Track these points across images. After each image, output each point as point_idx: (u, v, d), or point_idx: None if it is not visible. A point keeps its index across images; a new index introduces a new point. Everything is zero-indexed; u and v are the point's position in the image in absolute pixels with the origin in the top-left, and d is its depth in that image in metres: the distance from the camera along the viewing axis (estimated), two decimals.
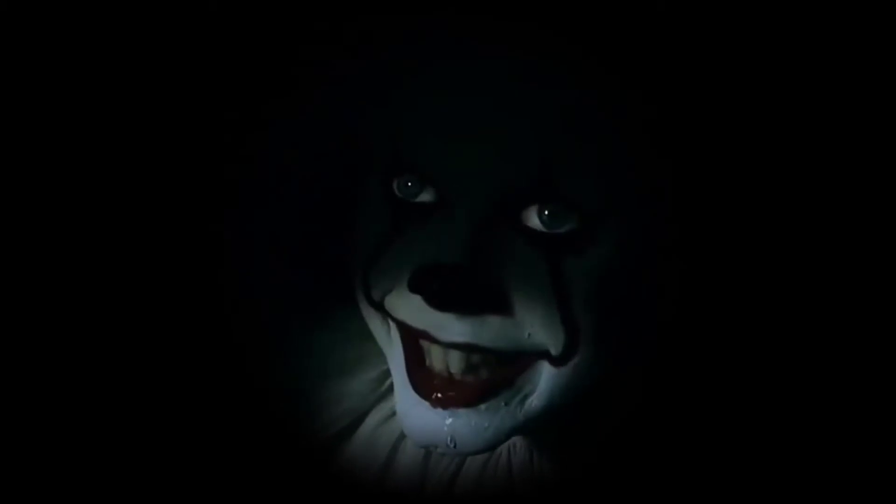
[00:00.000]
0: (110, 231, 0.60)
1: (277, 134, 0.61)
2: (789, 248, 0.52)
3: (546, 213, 0.45)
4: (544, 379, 0.47)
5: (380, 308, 0.50)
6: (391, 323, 0.50)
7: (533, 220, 0.46)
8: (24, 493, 0.57)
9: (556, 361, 0.46)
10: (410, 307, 0.47)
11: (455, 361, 0.47)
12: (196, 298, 0.60)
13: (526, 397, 0.47)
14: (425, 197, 0.48)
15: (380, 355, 0.55)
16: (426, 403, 0.47)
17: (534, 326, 0.46)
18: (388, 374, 0.57)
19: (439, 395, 0.47)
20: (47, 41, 0.58)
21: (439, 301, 0.44)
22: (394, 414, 0.56)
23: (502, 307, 0.45)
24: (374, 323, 0.51)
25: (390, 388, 0.56)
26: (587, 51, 0.46)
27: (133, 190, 0.60)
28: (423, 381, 0.48)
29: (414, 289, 0.44)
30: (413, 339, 0.48)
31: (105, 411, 0.58)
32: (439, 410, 0.47)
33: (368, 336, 0.53)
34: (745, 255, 0.51)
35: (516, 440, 0.55)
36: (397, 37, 0.51)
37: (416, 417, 0.48)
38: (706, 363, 0.53)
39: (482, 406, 0.47)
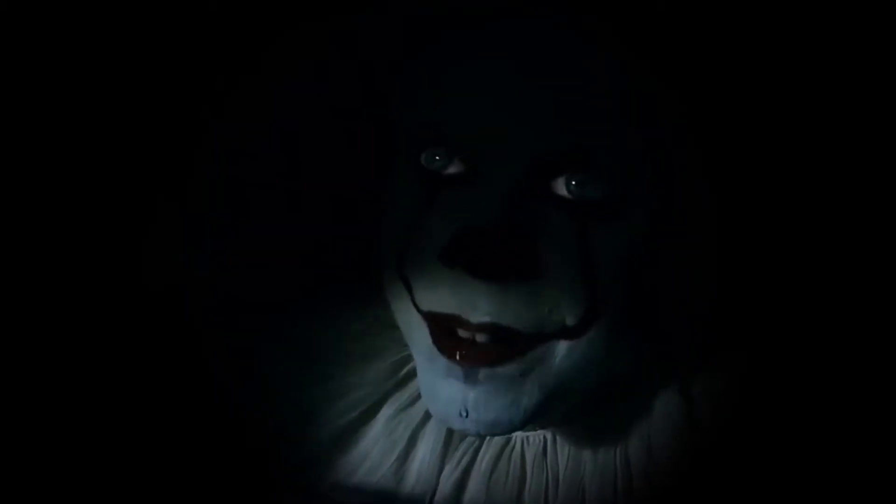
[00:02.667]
0: (123, 230, 0.61)
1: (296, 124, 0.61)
2: (829, 234, 0.52)
3: (574, 182, 0.46)
4: (561, 353, 0.47)
5: (409, 290, 0.49)
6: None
7: (562, 188, 0.46)
8: None
9: (573, 332, 0.46)
10: (439, 293, 0.47)
11: (482, 337, 0.47)
12: (210, 287, 0.60)
13: (543, 372, 0.47)
14: (455, 168, 0.48)
15: (394, 346, 0.55)
16: (448, 378, 0.47)
17: (557, 294, 0.46)
18: (404, 362, 0.57)
19: (464, 352, 0.47)
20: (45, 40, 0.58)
21: (472, 265, 0.45)
22: (411, 403, 0.57)
23: (530, 272, 0.46)
24: (403, 303, 0.50)
25: (407, 376, 0.57)
26: (621, 24, 0.46)
27: (147, 182, 0.60)
28: (448, 344, 0.47)
29: (446, 259, 0.45)
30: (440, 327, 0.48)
31: (115, 410, 0.59)
32: (460, 384, 0.47)
33: (382, 328, 0.53)
34: (781, 242, 0.52)
35: (531, 434, 0.54)
36: (423, 5, 0.51)
37: (439, 389, 0.48)
38: (737, 357, 0.53)
39: (500, 370, 0.47)
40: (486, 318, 0.46)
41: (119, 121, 0.60)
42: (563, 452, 0.54)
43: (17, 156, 0.58)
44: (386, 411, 0.57)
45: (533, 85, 0.46)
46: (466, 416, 0.48)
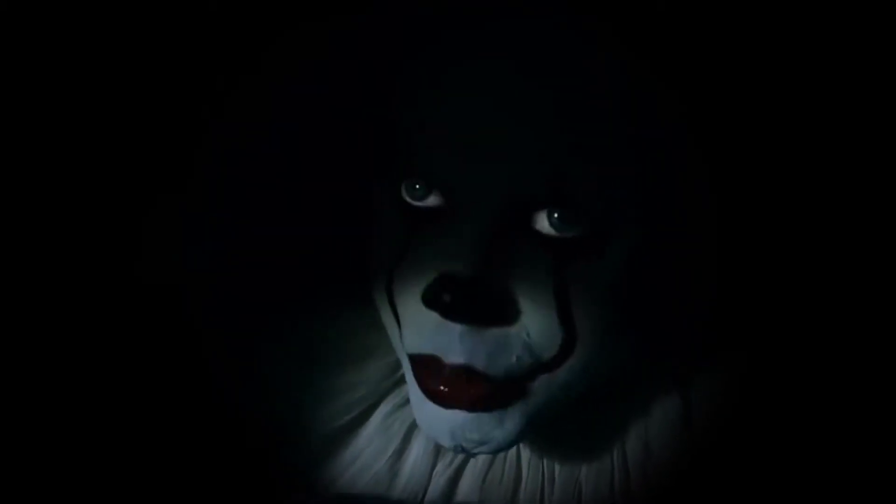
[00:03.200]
0: (122, 228, 0.61)
1: (285, 137, 0.61)
2: (801, 266, 0.53)
3: (556, 216, 0.46)
4: (541, 386, 0.48)
5: (398, 323, 0.50)
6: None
7: (542, 223, 0.46)
8: None
9: (550, 366, 0.47)
10: (420, 333, 0.48)
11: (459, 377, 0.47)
12: (209, 286, 0.61)
13: (525, 400, 0.48)
14: (433, 201, 0.48)
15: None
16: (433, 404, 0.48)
17: (532, 331, 0.46)
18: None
19: (446, 388, 0.47)
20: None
21: (450, 312, 0.45)
22: (407, 401, 0.57)
23: (505, 317, 0.46)
24: (392, 329, 0.51)
25: (403, 376, 0.56)
26: (598, 54, 0.46)
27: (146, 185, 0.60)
28: (432, 383, 0.48)
29: (429, 304, 0.45)
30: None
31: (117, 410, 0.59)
32: (444, 411, 0.48)
33: (381, 325, 0.53)
34: (755, 273, 0.52)
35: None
36: (407, 39, 0.51)
37: (428, 413, 0.49)
38: (736, 357, 0.53)
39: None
40: (460, 360, 0.46)
41: (119, 120, 0.60)
42: (559, 452, 0.55)
43: (16, 154, 0.58)
44: (382, 409, 0.58)
45: (510, 120, 0.45)
46: (453, 438, 0.48)
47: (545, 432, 0.54)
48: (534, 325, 0.46)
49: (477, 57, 0.46)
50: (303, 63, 0.60)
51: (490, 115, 0.46)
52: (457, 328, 0.46)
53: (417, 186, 0.48)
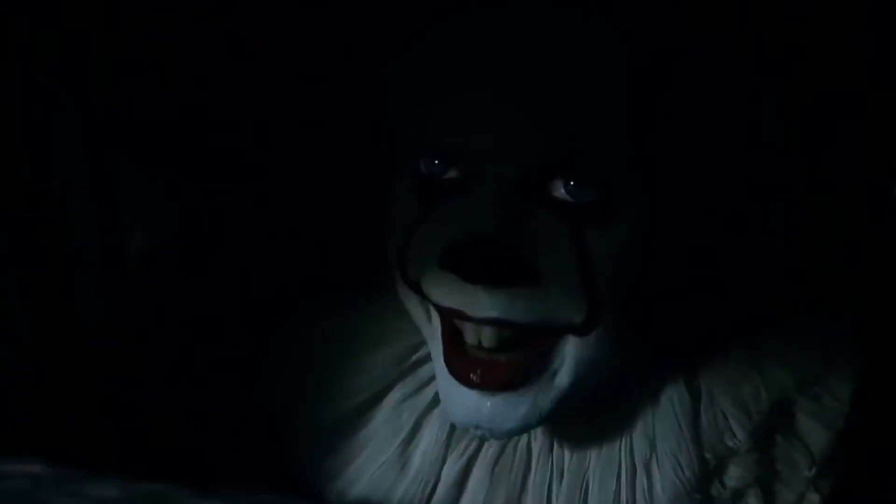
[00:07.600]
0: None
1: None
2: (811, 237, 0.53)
3: (571, 183, 0.46)
4: (571, 352, 0.48)
5: (417, 289, 0.50)
6: (430, 306, 0.50)
7: (558, 190, 0.47)
8: None
9: (580, 331, 0.47)
10: (442, 287, 0.48)
11: (487, 337, 0.48)
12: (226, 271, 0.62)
13: (556, 373, 0.48)
14: (452, 174, 0.49)
15: (408, 331, 0.56)
16: (462, 389, 0.49)
17: (558, 295, 0.47)
18: (414, 348, 0.57)
19: (476, 376, 0.48)
20: None
21: (472, 274, 0.46)
22: (419, 389, 0.57)
23: (529, 277, 0.46)
24: (413, 304, 0.52)
25: (416, 363, 0.57)
26: (605, 23, 0.46)
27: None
28: (461, 364, 0.49)
29: (446, 265, 0.46)
30: (449, 322, 0.49)
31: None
32: (475, 396, 0.48)
33: (398, 312, 0.54)
34: (766, 239, 0.53)
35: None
36: (414, 19, 0.51)
37: (456, 398, 0.49)
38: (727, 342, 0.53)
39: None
40: (489, 314, 0.47)
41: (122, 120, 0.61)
42: (569, 444, 0.54)
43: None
44: (392, 396, 0.58)
45: (522, 89, 0.46)
46: (482, 423, 0.49)
47: (556, 425, 0.54)
48: (559, 288, 0.46)
49: (485, 33, 0.47)
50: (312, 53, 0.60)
51: (501, 89, 0.46)
52: (479, 288, 0.46)
53: (437, 162, 0.49)
